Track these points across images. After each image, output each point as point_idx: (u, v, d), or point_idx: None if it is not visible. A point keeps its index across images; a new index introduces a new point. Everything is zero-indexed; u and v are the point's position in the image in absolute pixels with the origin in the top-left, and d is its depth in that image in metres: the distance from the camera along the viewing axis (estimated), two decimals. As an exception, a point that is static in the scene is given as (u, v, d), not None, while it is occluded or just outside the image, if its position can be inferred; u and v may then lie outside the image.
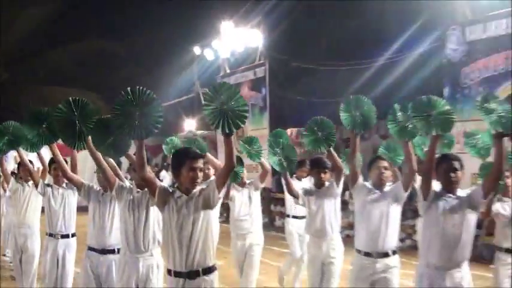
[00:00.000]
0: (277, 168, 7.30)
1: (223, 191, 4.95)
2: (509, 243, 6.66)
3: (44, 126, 6.06)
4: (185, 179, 4.85)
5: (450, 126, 5.18)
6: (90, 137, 5.52)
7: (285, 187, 7.76)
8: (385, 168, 6.11)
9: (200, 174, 4.88)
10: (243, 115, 4.62)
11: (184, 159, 4.87)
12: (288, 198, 9.08)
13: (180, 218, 4.78)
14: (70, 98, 5.51)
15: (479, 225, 9.78)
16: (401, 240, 13.88)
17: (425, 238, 5.31)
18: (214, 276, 4.88)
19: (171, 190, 4.91)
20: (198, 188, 4.87)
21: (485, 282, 7.71)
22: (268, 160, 7.44)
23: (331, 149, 6.60)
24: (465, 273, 5.21)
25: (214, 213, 5.02)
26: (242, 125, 4.66)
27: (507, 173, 6.61)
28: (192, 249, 4.76)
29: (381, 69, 17.77)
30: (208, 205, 4.81)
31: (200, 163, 4.88)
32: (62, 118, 5.50)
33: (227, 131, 4.56)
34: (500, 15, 11.40)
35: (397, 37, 16.54)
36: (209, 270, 4.85)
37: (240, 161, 7.35)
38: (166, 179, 18.94)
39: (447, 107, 5.21)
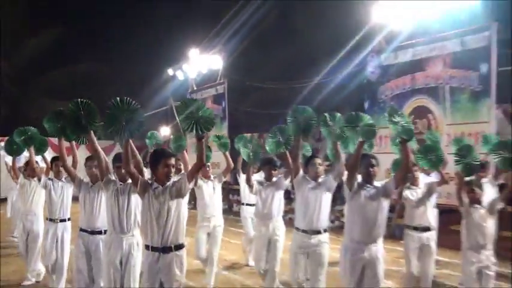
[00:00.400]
0: (245, 159, 7.42)
1: (193, 182, 5.03)
2: (415, 222, 6.85)
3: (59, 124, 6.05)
4: (161, 174, 4.92)
5: (373, 135, 5.39)
6: (92, 132, 5.50)
7: (244, 178, 7.78)
8: (319, 165, 6.23)
9: (173, 170, 4.97)
10: (210, 121, 4.77)
11: (160, 158, 4.94)
12: (243, 189, 9.21)
13: (158, 204, 4.84)
14: (78, 100, 5.50)
15: (392, 209, 10.03)
16: (332, 221, 14.08)
17: (350, 219, 5.39)
18: (183, 252, 4.95)
19: (150, 182, 4.96)
20: (171, 180, 4.94)
21: (396, 253, 7.83)
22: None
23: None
24: (379, 246, 5.31)
25: (184, 200, 5.03)
26: (210, 128, 4.77)
27: (415, 167, 6.80)
28: (167, 230, 4.84)
29: (316, 87, 17.95)
30: (180, 194, 4.90)
31: (173, 161, 4.96)
32: (70, 115, 5.50)
33: (199, 134, 4.68)
34: (408, 46, 11.60)
35: (328, 62, 16.69)
36: (179, 246, 4.93)
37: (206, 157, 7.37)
38: (146, 173, 18.77)
39: (371, 121, 5.36)
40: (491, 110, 9.90)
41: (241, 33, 19.38)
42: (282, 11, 19.41)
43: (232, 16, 20.95)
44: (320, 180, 6.19)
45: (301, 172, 6.27)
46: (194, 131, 4.70)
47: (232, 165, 7.85)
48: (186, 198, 8.45)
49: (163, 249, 4.86)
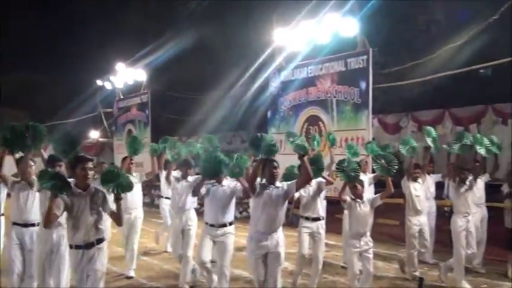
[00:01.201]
0: (170, 159, 7.47)
1: None
2: (308, 213, 7.07)
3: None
4: (78, 177, 4.81)
5: (273, 153, 5.42)
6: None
7: (165, 175, 7.67)
8: None
9: (90, 173, 4.85)
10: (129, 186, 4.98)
11: (77, 162, 4.85)
12: (163, 184, 9.09)
13: (83, 206, 4.75)
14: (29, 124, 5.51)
15: (290, 202, 10.30)
16: (240, 212, 14.26)
17: (255, 214, 5.46)
18: (103, 244, 4.87)
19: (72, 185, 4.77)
20: (94, 185, 4.86)
21: (293, 239, 8.04)
22: None
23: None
24: (280, 234, 5.43)
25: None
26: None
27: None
28: (90, 229, 4.75)
29: (228, 98, 18.10)
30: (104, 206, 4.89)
31: (90, 165, 4.85)
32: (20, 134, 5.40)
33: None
34: (303, 65, 11.89)
35: (238, 77, 16.86)
36: (100, 240, 4.84)
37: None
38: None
39: (272, 141, 5.48)
40: (368, 119, 10.32)
41: (163, 49, 19.20)
42: (199, 31, 19.37)
43: (156, 34, 20.76)
44: (224, 184, 6.30)
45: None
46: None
47: (157, 170, 7.77)
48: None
49: (86, 245, 4.75)
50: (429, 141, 7.57)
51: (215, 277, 6.51)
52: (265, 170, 5.45)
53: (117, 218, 4.92)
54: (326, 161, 10.27)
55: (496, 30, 10.96)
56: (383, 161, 6.35)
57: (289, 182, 5.50)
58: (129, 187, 4.84)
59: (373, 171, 8.32)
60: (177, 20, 20.68)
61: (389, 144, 8.48)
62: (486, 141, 7.18)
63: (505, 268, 7.77)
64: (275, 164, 5.43)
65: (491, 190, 8.78)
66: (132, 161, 7.98)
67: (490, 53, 12.05)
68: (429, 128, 7.85)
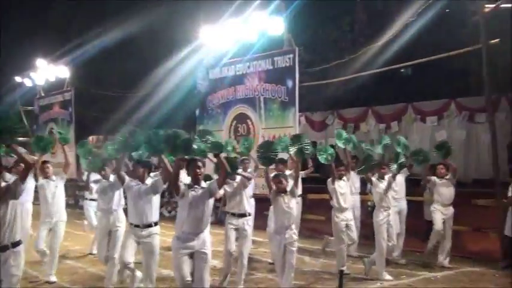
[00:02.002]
0: (85, 167, 7.50)
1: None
2: (234, 209, 7.17)
3: None
4: None
5: (190, 151, 5.39)
6: None
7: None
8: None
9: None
10: None
11: None
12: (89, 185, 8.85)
13: None
14: None
15: (219, 199, 10.32)
16: (169, 211, 14.13)
17: (180, 215, 5.41)
18: (20, 248, 4.68)
19: None
20: (3, 184, 4.64)
21: (222, 236, 8.01)
22: None
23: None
24: (207, 234, 5.43)
25: (23, 199, 4.73)
26: None
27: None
28: (3, 230, 4.54)
29: (155, 96, 17.85)
30: (13, 196, 4.60)
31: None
32: None
33: None
34: (231, 63, 11.91)
35: (165, 75, 16.64)
36: (16, 243, 4.65)
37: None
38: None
39: (187, 138, 5.46)
40: (295, 117, 10.50)
41: (88, 46, 18.59)
42: (124, 28, 18.92)
43: (80, 30, 20.08)
44: (147, 183, 6.19)
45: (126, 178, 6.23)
46: None
47: (70, 161, 7.52)
48: (31, 196, 8.07)
49: (0, 248, 4.56)
50: (340, 143, 7.82)
51: (139, 274, 6.42)
52: (189, 170, 5.42)
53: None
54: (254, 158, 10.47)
55: (416, 31, 11.49)
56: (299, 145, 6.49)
57: (210, 181, 5.52)
58: None
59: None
60: (102, 16, 20.07)
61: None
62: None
63: (423, 258, 8.19)
64: (199, 163, 5.40)
65: (411, 184, 9.20)
66: (48, 165, 7.68)
67: (411, 53, 12.63)
68: (339, 131, 8.13)
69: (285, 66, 10.66)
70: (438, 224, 8.07)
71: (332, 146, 8.15)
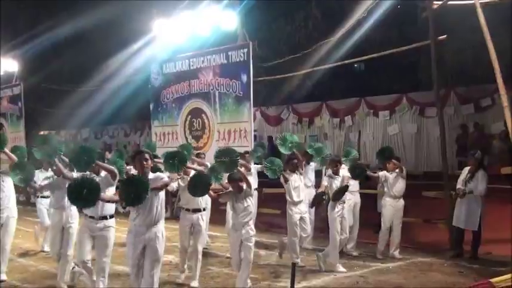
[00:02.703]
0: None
1: None
2: (188, 205, 7.05)
3: None
4: None
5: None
6: None
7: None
8: None
9: None
10: None
11: None
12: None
13: None
14: None
15: (175, 194, 10.17)
16: (124, 207, 13.85)
17: (133, 209, 5.29)
18: None
19: None
20: None
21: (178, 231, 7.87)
22: None
23: None
24: (160, 228, 5.31)
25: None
26: None
27: None
28: None
29: (106, 90, 17.47)
30: None
31: None
32: None
33: None
34: (185, 57, 11.81)
35: (117, 68, 16.30)
36: None
37: None
38: None
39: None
40: (250, 111, 10.49)
41: (37, 39, 17.94)
42: (76, 21, 18.39)
43: (29, 22, 19.38)
44: (101, 174, 6.07)
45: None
46: None
47: (15, 159, 7.22)
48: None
49: None
50: (282, 150, 7.89)
51: (94, 276, 6.28)
52: (135, 163, 5.31)
53: None
54: (210, 154, 10.45)
55: (368, 27, 11.67)
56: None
57: (159, 174, 5.45)
58: None
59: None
60: (53, 8, 19.44)
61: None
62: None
63: (376, 250, 8.34)
64: (146, 155, 5.28)
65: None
66: None
67: (363, 49, 12.83)
68: (280, 138, 8.07)
69: (239, 61, 10.64)
70: (386, 224, 8.23)
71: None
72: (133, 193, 4.97)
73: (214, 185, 6.62)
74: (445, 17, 9.41)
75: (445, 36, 8.79)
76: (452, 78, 12.86)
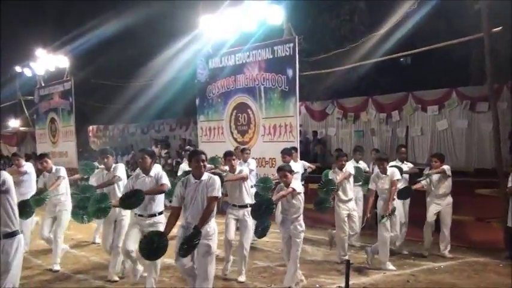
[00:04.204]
0: None
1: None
2: (235, 200, 7.09)
3: None
4: None
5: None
6: None
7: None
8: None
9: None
10: None
11: None
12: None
13: None
14: None
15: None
16: (170, 201, 14.00)
17: (185, 204, 5.27)
18: (13, 239, 4.52)
19: None
20: None
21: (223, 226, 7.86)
22: None
23: None
24: (211, 224, 5.24)
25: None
26: None
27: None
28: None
29: (156, 86, 17.71)
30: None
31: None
32: None
33: None
34: (231, 53, 11.71)
35: (165, 64, 16.47)
36: (9, 234, 4.50)
37: None
38: None
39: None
40: (295, 106, 10.35)
41: (87, 36, 18.36)
42: (124, 18, 18.71)
43: (79, 20, 19.86)
44: (152, 174, 6.14)
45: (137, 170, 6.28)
46: None
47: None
48: (33, 188, 7.99)
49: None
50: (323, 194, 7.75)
51: (140, 267, 6.39)
52: (192, 162, 5.30)
53: None
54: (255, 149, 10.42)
55: (416, 19, 11.33)
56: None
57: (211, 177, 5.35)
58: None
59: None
60: (101, 5, 19.83)
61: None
62: None
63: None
64: (203, 157, 5.27)
65: (415, 175, 9.04)
66: (46, 159, 7.68)
67: (411, 42, 12.47)
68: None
69: (285, 56, 10.47)
70: (430, 217, 7.97)
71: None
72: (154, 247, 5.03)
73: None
74: (498, 8, 9.03)
75: (499, 28, 8.42)
76: (506, 72, 12.32)
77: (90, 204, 6.24)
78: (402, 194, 7.83)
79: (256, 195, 7.54)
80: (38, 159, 7.86)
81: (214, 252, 5.26)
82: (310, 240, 9.08)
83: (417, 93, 14.64)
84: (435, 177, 7.94)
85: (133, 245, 6.16)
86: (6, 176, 4.53)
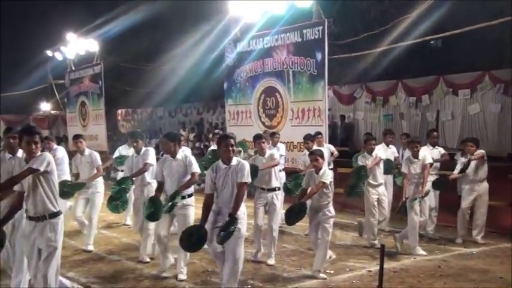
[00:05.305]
0: None
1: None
2: (263, 184, 7.08)
3: None
4: (24, 150, 4.75)
5: None
6: None
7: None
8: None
9: (35, 146, 4.63)
10: None
11: (22, 136, 4.68)
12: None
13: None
14: None
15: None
16: (199, 184, 14.08)
17: (216, 190, 5.29)
18: (57, 219, 4.73)
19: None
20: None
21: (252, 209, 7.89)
22: None
23: None
24: (241, 208, 5.19)
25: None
26: None
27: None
28: (37, 201, 4.64)
29: (182, 69, 17.73)
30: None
31: (35, 138, 4.65)
32: None
33: None
34: (259, 36, 11.64)
35: (193, 47, 16.47)
36: (54, 215, 4.71)
37: None
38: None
39: None
40: (324, 90, 10.25)
41: (116, 20, 18.44)
42: (152, 2, 18.76)
43: (108, 4, 19.96)
44: (178, 157, 6.18)
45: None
46: None
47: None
48: (67, 169, 8.12)
49: (38, 218, 4.62)
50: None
51: (171, 258, 6.43)
52: (220, 145, 5.26)
53: None
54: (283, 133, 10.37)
55: (446, 2, 11.05)
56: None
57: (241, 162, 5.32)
58: None
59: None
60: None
61: None
62: None
63: (456, 233, 7.97)
64: (231, 141, 5.22)
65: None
66: (81, 139, 7.88)
67: (442, 25, 12.17)
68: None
69: (314, 39, 10.36)
70: (466, 203, 7.86)
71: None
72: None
73: None
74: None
75: (535, 9, 8.15)
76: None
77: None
78: (437, 185, 7.72)
79: (286, 189, 7.63)
80: (74, 138, 8.03)
81: (243, 235, 5.23)
82: (339, 224, 9.04)
83: (448, 76, 14.30)
84: (472, 162, 7.78)
85: (165, 230, 6.24)
86: (49, 157, 4.65)
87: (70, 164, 8.25)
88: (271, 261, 6.85)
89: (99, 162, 7.85)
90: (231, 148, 5.17)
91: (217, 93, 17.21)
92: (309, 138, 8.58)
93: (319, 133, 9.22)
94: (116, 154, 9.55)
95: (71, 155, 8.67)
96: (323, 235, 6.22)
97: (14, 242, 5.50)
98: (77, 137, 8.00)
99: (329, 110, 12.93)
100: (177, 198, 5.94)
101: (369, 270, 6.49)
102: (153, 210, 6.00)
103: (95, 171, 7.78)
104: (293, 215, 6.19)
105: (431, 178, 7.76)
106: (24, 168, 4.60)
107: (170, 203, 5.92)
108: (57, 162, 8.60)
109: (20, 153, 5.54)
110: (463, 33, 10.18)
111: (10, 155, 5.63)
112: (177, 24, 18.63)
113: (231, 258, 5.09)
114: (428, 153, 7.51)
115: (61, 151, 8.77)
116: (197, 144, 17.81)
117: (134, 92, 21.09)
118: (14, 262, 5.37)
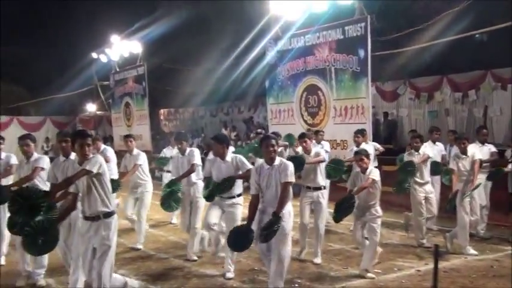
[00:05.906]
0: None
1: None
2: (308, 183, 7.02)
3: None
4: (77, 152, 4.87)
5: None
6: None
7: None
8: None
9: (88, 149, 4.76)
10: None
11: (76, 138, 4.83)
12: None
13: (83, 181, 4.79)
14: None
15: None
16: (243, 182, 14.15)
17: (262, 189, 5.31)
18: (111, 219, 4.89)
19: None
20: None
21: (297, 208, 7.87)
22: None
23: None
24: (287, 207, 5.18)
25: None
26: None
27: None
28: (92, 202, 4.80)
29: (224, 70, 17.84)
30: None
31: (88, 141, 4.78)
32: None
33: None
34: (300, 34, 11.60)
35: (234, 48, 16.54)
36: (107, 214, 4.84)
37: None
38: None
39: None
40: (367, 87, 10.13)
41: (158, 22, 18.76)
42: (193, 2, 18.96)
43: (150, 6, 20.30)
44: (228, 159, 6.23)
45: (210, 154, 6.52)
46: None
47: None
48: (115, 170, 8.29)
49: (93, 218, 4.76)
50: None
51: (222, 239, 6.50)
52: (262, 148, 5.26)
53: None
54: (326, 130, 10.29)
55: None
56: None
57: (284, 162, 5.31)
58: None
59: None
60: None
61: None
62: None
63: (508, 233, 7.73)
64: (273, 141, 5.22)
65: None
66: (131, 139, 8.16)
67: (487, 18, 11.81)
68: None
69: (356, 36, 10.26)
70: None
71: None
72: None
73: None
74: None
75: None
76: None
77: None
78: (493, 175, 7.53)
79: (328, 175, 7.49)
80: (125, 138, 8.31)
81: (288, 234, 5.19)
82: (385, 223, 8.83)
83: (496, 71, 13.85)
84: None
85: (215, 219, 6.33)
86: (101, 159, 4.78)
87: (118, 163, 8.45)
88: (318, 260, 6.82)
89: (140, 162, 7.97)
90: (271, 149, 5.17)
91: (257, 91, 17.25)
92: (360, 132, 8.54)
93: (362, 130, 9.12)
94: (162, 155, 9.81)
95: (117, 154, 8.87)
96: (371, 235, 6.15)
97: (71, 241, 5.69)
98: (128, 136, 8.26)
99: (373, 107, 12.78)
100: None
101: (418, 270, 6.38)
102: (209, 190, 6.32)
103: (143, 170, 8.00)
104: (342, 210, 6.11)
105: (481, 176, 7.53)
106: (77, 170, 4.73)
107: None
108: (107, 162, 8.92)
109: (73, 155, 5.71)
110: (510, 26, 9.88)
111: (64, 158, 5.82)
112: (217, 24, 18.74)
113: (277, 257, 5.08)
114: (478, 151, 7.30)
115: (110, 151, 8.96)
116: (239, 143, 17.89)
117: (176, 92, 21.36)
118: (72, 260, 5.53)
